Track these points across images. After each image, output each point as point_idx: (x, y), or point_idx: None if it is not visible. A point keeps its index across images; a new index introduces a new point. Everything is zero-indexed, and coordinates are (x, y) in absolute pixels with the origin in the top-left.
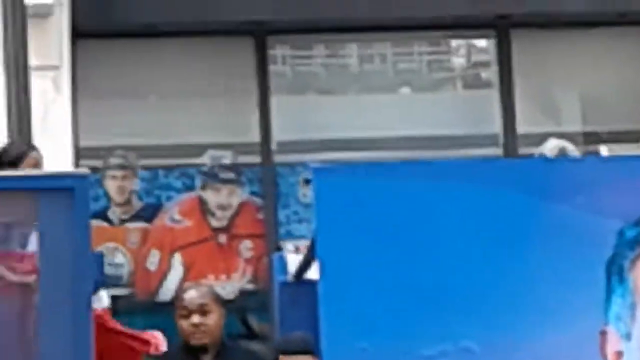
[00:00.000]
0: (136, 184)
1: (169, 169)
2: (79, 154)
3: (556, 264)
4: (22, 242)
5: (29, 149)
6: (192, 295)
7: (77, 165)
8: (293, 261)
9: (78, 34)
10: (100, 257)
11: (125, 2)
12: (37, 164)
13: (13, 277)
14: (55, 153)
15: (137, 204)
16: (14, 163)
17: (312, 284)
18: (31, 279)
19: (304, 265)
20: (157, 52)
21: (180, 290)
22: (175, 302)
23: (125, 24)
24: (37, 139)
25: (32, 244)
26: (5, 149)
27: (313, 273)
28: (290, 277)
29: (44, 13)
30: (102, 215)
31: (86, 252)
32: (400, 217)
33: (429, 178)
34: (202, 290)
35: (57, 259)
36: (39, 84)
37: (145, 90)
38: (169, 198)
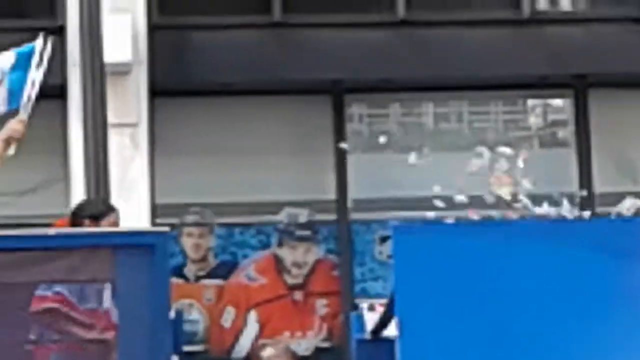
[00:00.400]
0: (212, 241)
1: (245, 226)
2: (156, 211)
3: (636, 324)
4: (102, 298)
5: (109, 209)
6: (269, 353)
7: (153, 222)
8: (370, 319)
9: (156, 92)
10: (180, 314)
11: (203, 61)
12: (115, 225)
13: (91, 335)
14: (132, 210)
15: (213, 261)
16: (95, 218)
17: (390, 341)
18: (110, 335)
19: (382, 323)
20: (234, 110)
21: (257, 348)
22: (251, 359)
23: (203, 82)
24: (115, 196)
25: (111, 301)
26: (83, 206)
27: (391, 331)
28: (368, 335)
29: (123, 71)
30: (178, 272)
31: (166, 309)
32: (478, 275)
33: (507, 237)
34: (279, 348)
35: (136, 315)
36: (117, 142)
37: (222, 148)
38: (245, 255)
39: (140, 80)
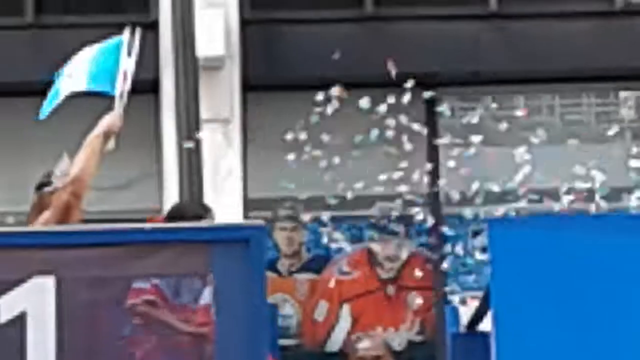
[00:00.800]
0: (305, 236)
1: (338, 220)
2: (249, 205)
3: None
4: (197, 293)
5: (205, 212)
6: (366, 345)
7: (246, 216)
8: (464, 312)
9: (248, 87)
10: (274, 308)
11: (295, 55)
12: None
13: (188, 329)
14: (225, 204)
15: (305, 256)
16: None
17: (485, 335)
18: (207, 330)
19: (477, 317)
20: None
21: (352, 341)
22: (348, 352)
23: (295, 76)
24: (208, 191)
25: (206, 296)
26: (179, 208)
27: (486, 324)
28: (462, 329)
29: (216, 66)
30: (271, 266)
31: (262, 303)
32: (575, 269)
33: (603, 230)
34: (376, 341)
35: (232, 310)
36: (210, 137)
37: (315, 142)
38: (337, 250)
39: (232, 74)
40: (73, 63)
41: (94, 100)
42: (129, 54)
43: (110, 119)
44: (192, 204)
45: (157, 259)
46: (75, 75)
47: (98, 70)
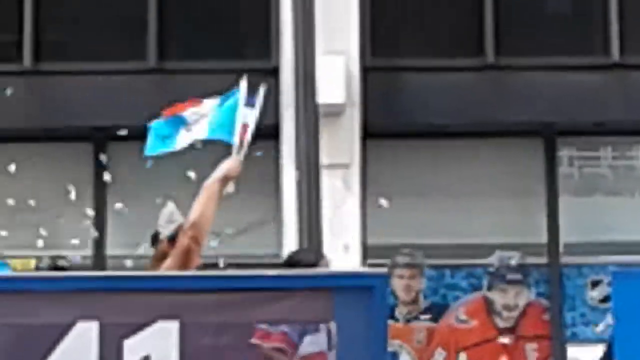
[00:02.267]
0: (423, 283)
1: (456, 268)
2: (367, 252)
3: None
4: (320, 339)
5: (319, 257)
6: None
7: (364, 263)
8: None
9: (368, 134)
10: (393, 356)
11: (415, 103)
12: None
13: None
14: (344, 251)
15: (423, 303)
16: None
17: None
18: None
19: None
20: (445, 152)
21: None
22: None
23: (415, 124)
24: (326, 236)
25: (325, 342)
26: (296, 255)
27: None
28: None
29: (336, 112)
30: (389, 313)
31: (383, 350)
32: None
33: None
34: None
35: (354, 357)
36: (329, 183)
37: (434, 190)
38: (455, 298)
39: (353, 121)
40: (193, 113)
41: (212, 148)
42: (251, 104)
43: (230, 164)
44: (307, 252)
45: (281, 305)
46: (195, 128)
47: (217, 122)
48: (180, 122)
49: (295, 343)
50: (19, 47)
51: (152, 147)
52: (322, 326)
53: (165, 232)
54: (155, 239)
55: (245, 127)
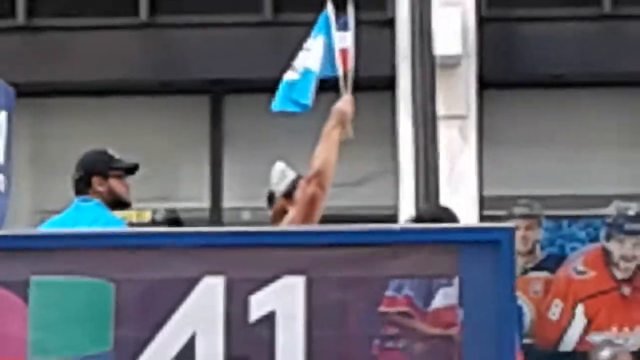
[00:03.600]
0: (540, 234)
1: (573, 219)
2: (484, 203)
3: None
4: (446, 296)
5: (444, 212)
6: (606, 356)
7: (481, 214)
8: None
9: (484, 85)
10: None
11: (532, 53)
12: None
13: (434, 331)
14: (461, 202)
15: (540, 254)
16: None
17: None
18: (454, 331)
19: None
20: (562, 103)
21: (594, 348)
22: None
23: (531, 74)
24: (443, 189)
25: (454, 297)
26: (420, 214)
27: None
28: None
29: (452, 64)
30: None
31: (512, 305)
32: None
33: None
34: (616, 350)
35: (482, 313)
36: (446, 134)
37: (551, 140)
38: (572, 249)
39: (469, 72)
40: (300, 58)
41: (325, 95)
42: (343, 27)
43: (342, 106)
44: (432, 206)
45: (406, 260)
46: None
47: (317, 55)
48: (308, 75)
49: (420, 306)
50: (135, 1)
51: (282, 103)
52: (455, 281)
53: (280, 188)
54: (271, 198)
55: (344, 52)
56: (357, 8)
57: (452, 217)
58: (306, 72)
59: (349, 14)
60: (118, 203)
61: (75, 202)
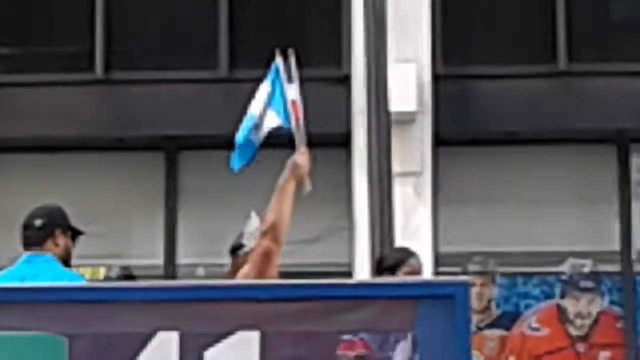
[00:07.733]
0: (494, 291)
1: (528, 276)
2: (439, 259)
3: None
4: (400, 348)
5: (408, 255)
6: None
7: (436, 271)
8: None
9: (440, 141)
10: None
11: (487, 110)
12: (414, 272)
13: None
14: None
15: (495, 311)
16: (392, 270)
17: None
18: None
19: None
20: (517, 160)
21: None
22: None
23: (487, 131)
24: (398, 244)
25: (407, 351)
26: (384, 257)
27: None
28: None
29: (407, 120)
30: None
31: (468, 358)
32: None
33: None
34: None
35: None
36: (400, 191)
37: (505, 197)
38: (527, 306)
39: (424, 129)
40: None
41: (280, 152)
42: (289, 79)
43: (297, 159)
44: (396, 250)
45: (362, 314)
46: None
47: (260, 98)
48: (250, 120)
49: (375, 350)
50: (90, 57)
51: (237, 159)
52: (410, 335)
53: (250, 244)
54: (235, 249)
55: (294, 104)
56: (313, 65)
57: (418, 260)
58: (249, 116)
59: (291, 65)
60: (65, 261)
61: (27, 255)
